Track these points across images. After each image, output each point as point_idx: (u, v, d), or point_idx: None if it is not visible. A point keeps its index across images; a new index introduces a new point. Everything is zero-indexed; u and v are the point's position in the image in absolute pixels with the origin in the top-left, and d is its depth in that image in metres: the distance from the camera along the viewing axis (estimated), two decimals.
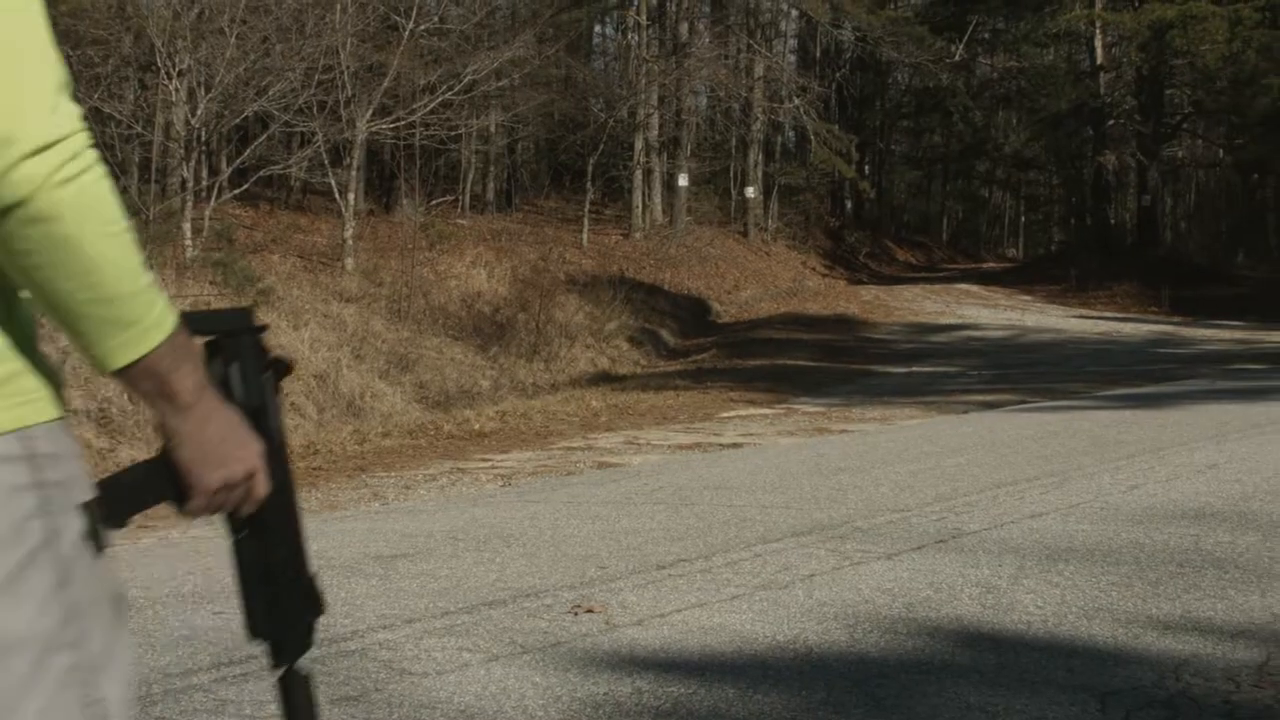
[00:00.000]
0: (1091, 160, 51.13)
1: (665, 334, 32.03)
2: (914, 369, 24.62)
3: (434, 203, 36.17)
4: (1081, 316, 37.05)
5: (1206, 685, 4.92)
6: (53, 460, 1.75)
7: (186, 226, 23.85)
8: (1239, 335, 32.01)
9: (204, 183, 26.08)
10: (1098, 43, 49.67)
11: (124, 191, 24.14)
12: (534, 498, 10.11)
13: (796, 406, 18.30)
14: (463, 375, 24.35)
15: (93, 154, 1.69)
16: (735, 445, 13.70)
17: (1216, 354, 26.88)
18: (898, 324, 34.61)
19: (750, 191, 46.07)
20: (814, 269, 46.68)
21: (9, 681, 1.70)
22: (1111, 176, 51.33)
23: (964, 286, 44.18)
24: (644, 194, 41.82)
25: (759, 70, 45.70)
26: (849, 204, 60.18)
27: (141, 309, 1.73)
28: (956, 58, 52.61)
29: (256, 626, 2.03)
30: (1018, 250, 68.43)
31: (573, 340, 28.02)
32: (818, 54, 55.47)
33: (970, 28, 54.23)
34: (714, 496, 9.59)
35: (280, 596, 2.02)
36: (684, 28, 44.33)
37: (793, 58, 56.60)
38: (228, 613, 6.40)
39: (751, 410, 17.91)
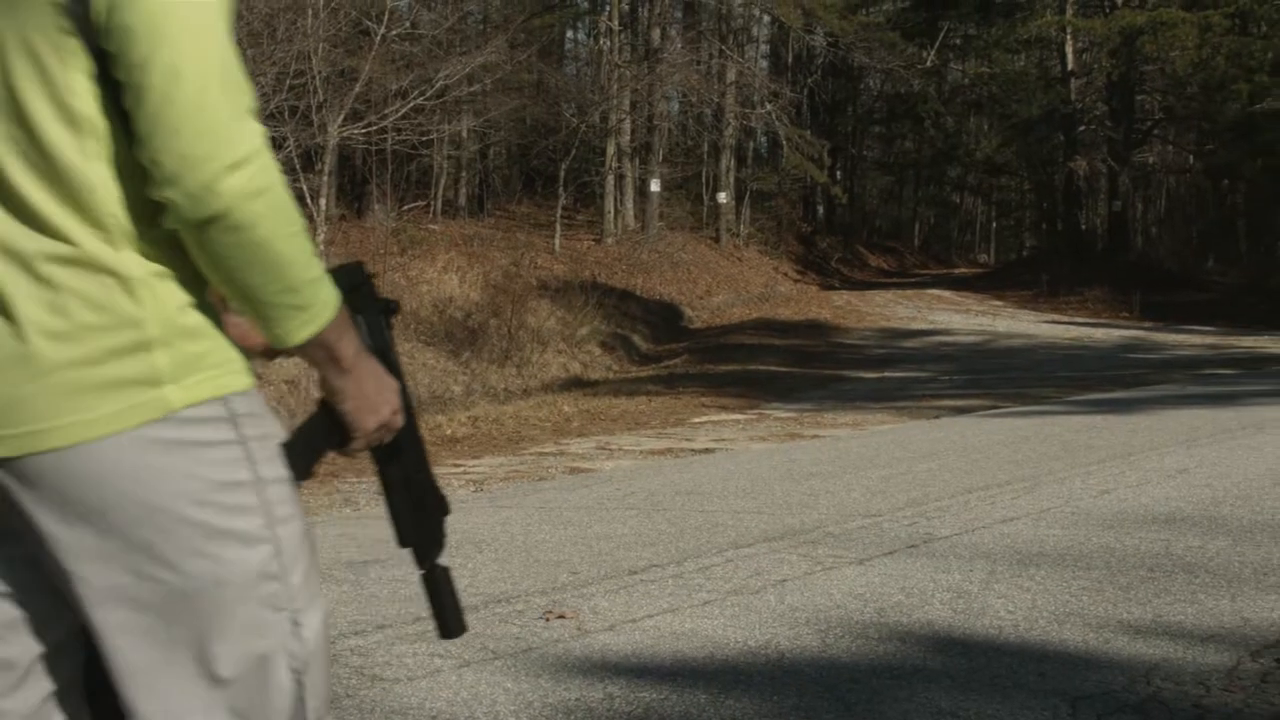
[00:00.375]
0: (1062, 166, 51.32)
1: (637, 339, 32.03)
2: (886, 374, 24.65)
3: (406, 208, 36.19)
4: (1053, 322, 37.14)
5: (1177, 689, 4.94)
6: (250, 419, 2.12)
7: None
8: (1210, 340, 32.10)
9: None
10: (1068, 49, 49.85)
11: None
12: (506, 503, 10.10)
13: (768, 412, 18.31)
14: (435, 380, 24.33)
15: (275, 165, 2.02)
16: (707, 450, 13.70)
17: (1187, 359, 26.95)
18: (870, 329, 34.67)
19: (722, 197, 46.09)
20: (786, 274, 46.74)
21: (226, 610, 2.07)
22: (1082, 182, 51.52)
23: (936, 292, 44.30)
24: (616, 199, 41.83)
25: (731, 76, 45.74)
26: (821, 209, 60.30)
27: (316, 293, 2.08)
28: (928, 64, 52.76)
29: (405, 536, 2.39)
30: (989, 256, 68.67)
31: (545, 345, 28.01)
32: (790, 60, 55.56)
33: (941, 34, 54.39)
34: (686, 502, 9.59)
35: (420, 505, 2.39)
36: (656, 33, 44.36)
37: (765, 63, 56.71)
38: None
39: (723, 415, 17.92)
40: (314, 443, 2.26)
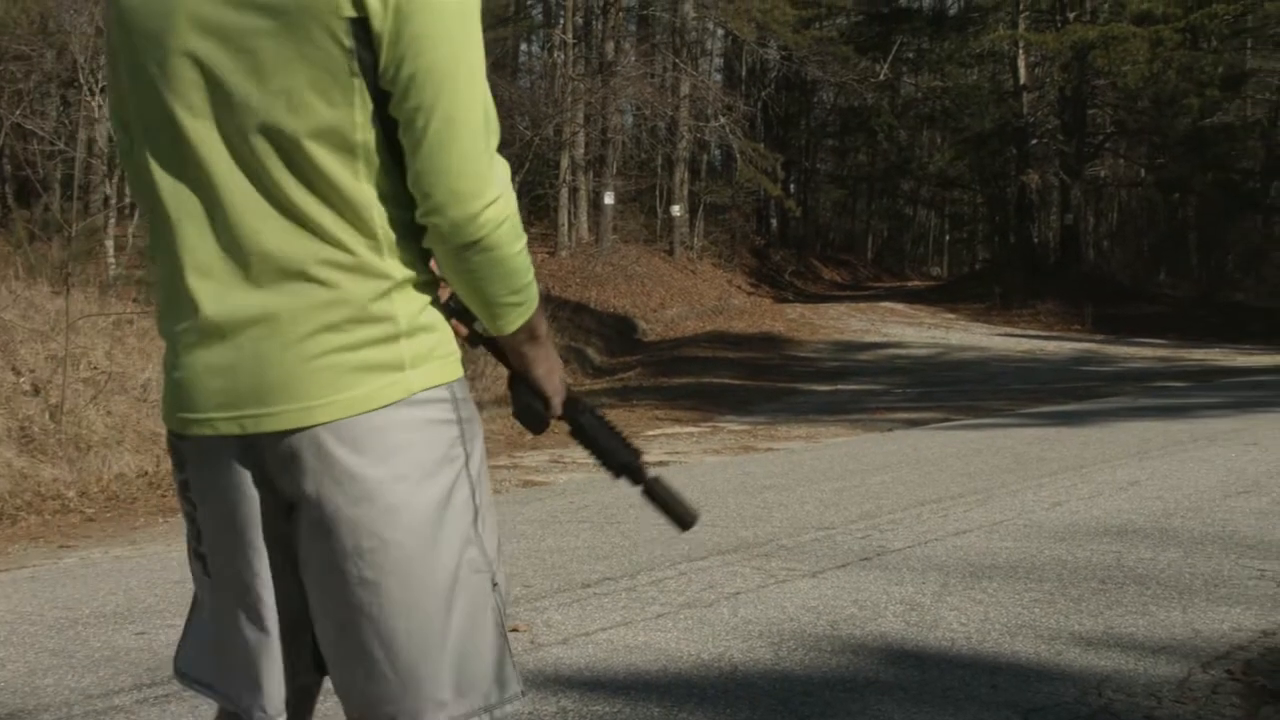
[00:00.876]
0: (1015, 179, 51.51)
1: (591, 352, 32.01)
2: (839, 387, 24.69)
3: None
4: (1005, 334, 37.28)
5: (1128, 701, 4.96)
6: (464, 403, 2.56)
7: (109, 244, 23.67)
8: (1161, 353, 32.26)
9: (127, 200, 25.91)
10: (1020, 63, 50.05)
11: (46, 209, 23.96)
12: None
13: (722, 425, 18.33)
14: None
15: (512, 193, 2.44)
16: (661, 463, 13.70)
17: (1138, 371, 27.08)
18: (823, 342, 34.72)
19: (676, 210, 46.12)
20: (740, 287, 46.78)
21: (441, 567, 2.45)
22: (1035, 195, 51.69)
23: (889, 305, 44.39)
24: (570, 212, 41.83)
25: (685, 89, 45.77)
26: (775, 222, 60.38)
27: (531, 291, 2.55)
28: (881, 77, 52.95)
29: (617, 464, 2.84)
30: (942, 269, 68.84)
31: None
32: (743, 73, 55.64)
33: (895, 48, 54.62)
34: (639, 515, 9.58)
35: (613, 434, 2.84)
36: (610, 46, 44.37)
37: (719, 76, 56.72)
38: (149, 633, 6.36)
39: (677, 428, 17.93)
40: (533, 407, 2.73)
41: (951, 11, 60.16)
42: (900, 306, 43.92)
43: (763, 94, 54.91)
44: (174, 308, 2.48)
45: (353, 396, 2.39)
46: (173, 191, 2.44)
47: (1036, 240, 54.36)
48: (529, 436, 16.69)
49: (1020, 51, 49.73)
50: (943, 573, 7.16)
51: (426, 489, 2.44)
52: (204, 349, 2.43)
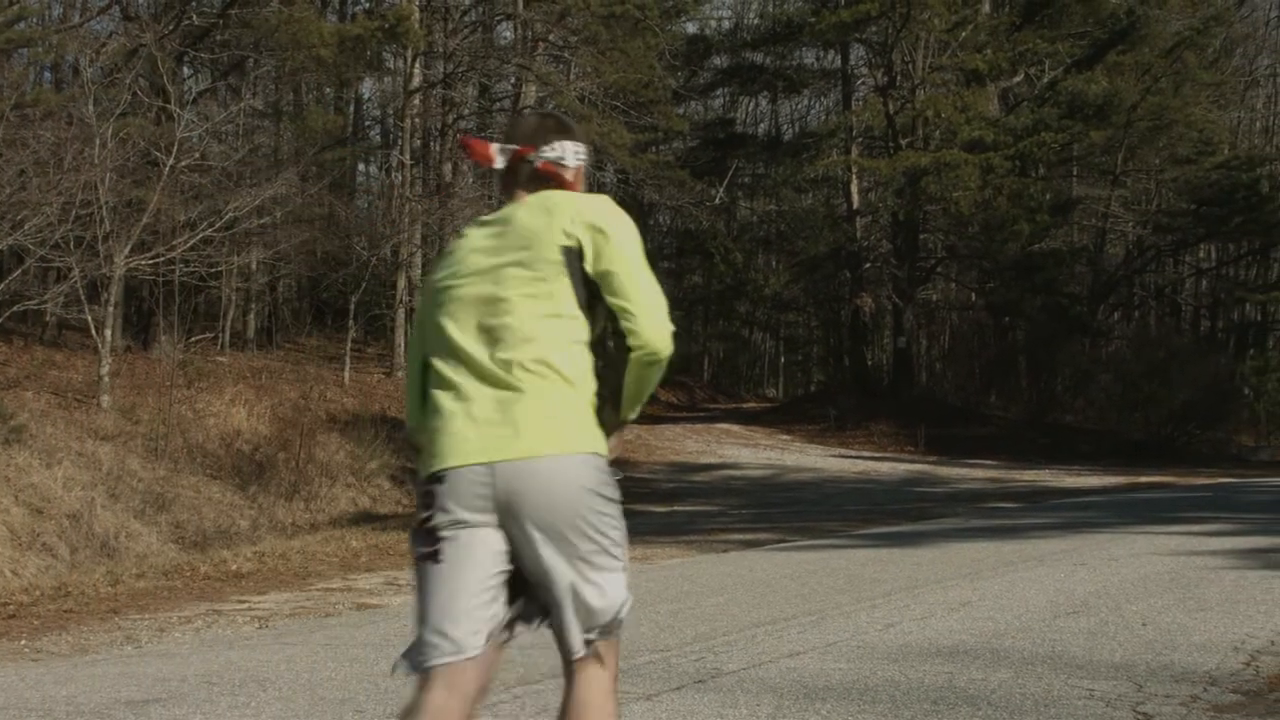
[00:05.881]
0: (849, 302, 52.17)
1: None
2: (675, 508, 24.77)
3: (193, 340, 35.74)
4: (840, 456, 37.64)
5: None
6: (608, 463, 4.28)
7: None
8: (991, 474, 32.72)
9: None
10: (854, 188, 50.85)
11: None
12: (291, 640, 9.97)
13: None
14: (221, 515, 23.96)
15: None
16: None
17: (970, 492, 27.43)
18: (659, 463, 34.83)
19: None
20: None
21: (619, 584, 4.26)
22: (868, 318, 52.40)
23: (725, 426, 44.62)
24: (407, 332, 41.68)
25: None
26: (611, 344, 60.52)
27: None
28: (717, 201, 53.50)
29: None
30: (778, 390, 69.27)
31: (334, 479, 27.72)
32: None
33: (731, 172, 55.27)
34: None
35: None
36: (448, 168, 44.51)
37: None
38: None
39: None
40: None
41: (786, 137, 60.95)
42: (736, 428, 44.17)
43: None
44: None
45: (568, 444, 4.21)
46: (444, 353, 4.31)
47: (870, 362, 55.04)
48: (363, 558, 16.60)
49: (854, 177, 50.52)
50: (777, 695, 7.18)
51: (601, 506, 4.31)
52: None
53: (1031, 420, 46.06)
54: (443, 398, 4.17)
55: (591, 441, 4.19)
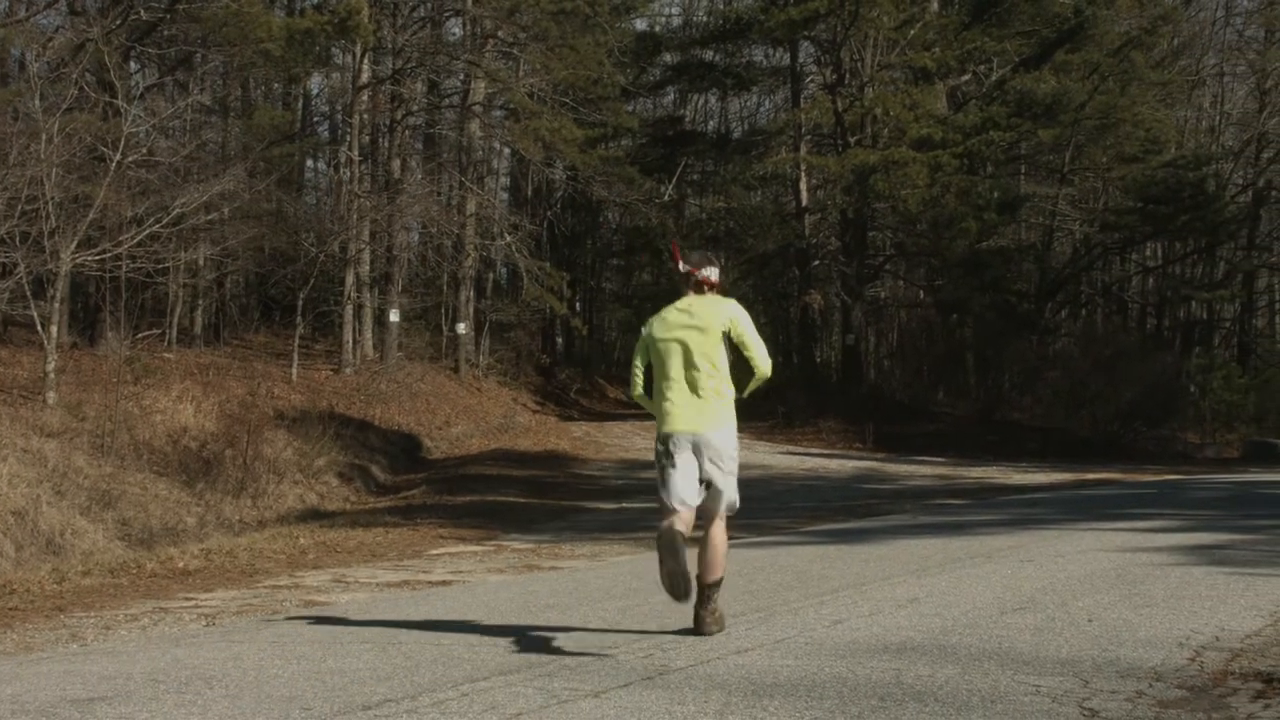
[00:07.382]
0: (797, 299, 52.25)
1: (376, 470, 31.78)
2: (624, 505, 24.74)
3: (140, 336, 35.60)
4: (789, 452, 37.69)
5: None
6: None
7: None
8: (940, 471, 32.82)
9: None
10: (803, 185, 50.94)
11: None
12: (238, 637, 9.92)
13: (506, 543, 18.28)
14: (167, 512, 23.82)
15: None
16: (444, 583, 13.62)
17: (918, 489, 27.50)
18: (608, 460, 34.82)
19: (461, 328, 46.12)
20: (525, 405, 46.83)
21: (734, 488, 9.25)
22: (817, 315, 52.51)
23: None
24: (355, 329, 41.64)
25: (471, 207, 45.94)
26: (561, 341, 60.59)
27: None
28: (666, 198, 53.51)
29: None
30: None
31: (281, 476, 27.62)
32: (530, 192, 56.04)
33: (679, 169, 55.29)
34: (421, 635, 9.50)
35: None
36: (396, 164, 44.46)
37: (505, 195, 57.11)
38: None
39: (461, 547, 17.84)
40: None
41: (735, 135, 61.03)
42: None
43: (549, 213, 55.36)
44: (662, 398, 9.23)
45: (723, 423, 9.06)
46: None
47: (819, 359, 55.19)
48: (311, 555, 16.54)
49: (802, 174, 50.62)
50: (725, 691, 7.17)
51: (733, 451, 9.14)
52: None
53: (979, 417, 46.29)
54: (668, 398, 9.03)
55: (730, 424, 9.06)
